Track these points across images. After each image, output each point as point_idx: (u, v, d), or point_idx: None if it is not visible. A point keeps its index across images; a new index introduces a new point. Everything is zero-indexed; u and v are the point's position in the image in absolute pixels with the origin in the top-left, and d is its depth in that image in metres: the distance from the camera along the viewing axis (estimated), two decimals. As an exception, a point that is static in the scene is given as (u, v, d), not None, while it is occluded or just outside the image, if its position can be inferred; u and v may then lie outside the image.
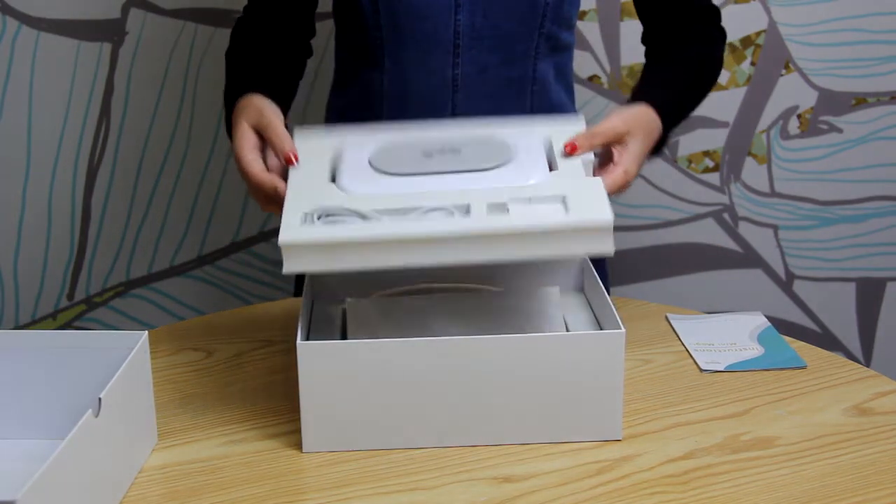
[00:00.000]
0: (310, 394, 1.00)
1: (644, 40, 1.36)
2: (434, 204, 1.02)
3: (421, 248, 0.97)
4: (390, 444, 1.02)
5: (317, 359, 0.99)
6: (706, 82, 1.32)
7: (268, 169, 1.12)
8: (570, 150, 1.09)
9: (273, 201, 1.09)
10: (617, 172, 1.11)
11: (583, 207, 1.00)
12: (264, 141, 1.14)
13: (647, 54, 1.36)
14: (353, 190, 1.06)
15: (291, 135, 1.13)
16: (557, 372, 1.00)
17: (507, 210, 1.01)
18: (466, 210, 1.01)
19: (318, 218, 1.01)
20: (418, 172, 1.07)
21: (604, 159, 1.14)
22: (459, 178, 1.06)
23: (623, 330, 1.01)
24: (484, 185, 1.04)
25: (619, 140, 1.13)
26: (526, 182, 1.05)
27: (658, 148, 1.23)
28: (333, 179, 1.09)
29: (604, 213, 0.99)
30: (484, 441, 1.02)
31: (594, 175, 1.09)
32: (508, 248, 0.98)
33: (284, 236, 0.98)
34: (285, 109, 1.22)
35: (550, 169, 1.09)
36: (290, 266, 0.98)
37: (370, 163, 1.10)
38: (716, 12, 1.33)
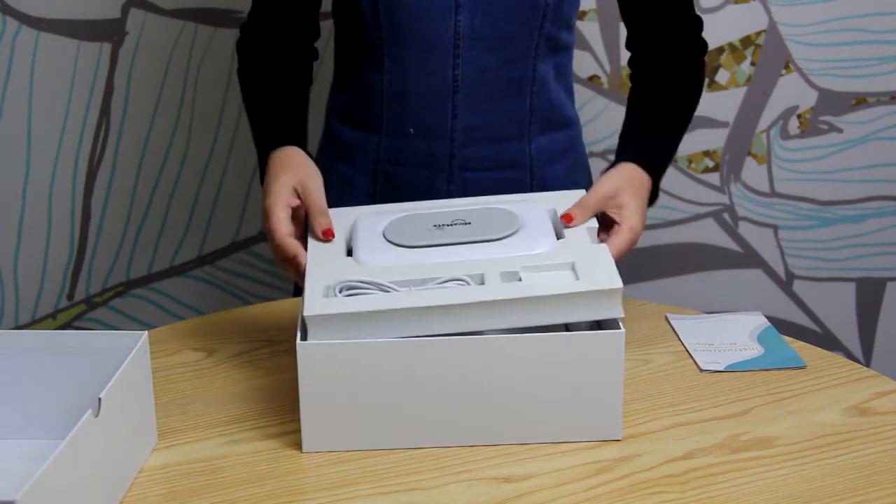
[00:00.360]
0: (310, 394, 1.00)
1: (629, 45, 1.37)
2: (449, 275, 1.05)
3: (439, 318, 1.00)
4: (390, 444, 1.02)
5: (317, 359, 0.99)
6: (687, 119, 1.34)
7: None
8: (567, 221, 1.14)
9: (289, 262, 1.12)
10: (623, 232, 1.15)
11: (592, 274, 1.04)
12: (298, 199, 1.15)
13: (631, 77, 1.37)
14: (369, 262, 1.09)
15: None
16: (557, 372, 1.01)
17: (520, 278, 1.05)
18: (481, 280, 1.05)
19: (340, 291, 1.04)
20: (432, 244, 1.10)
21: (607, 225, 1.18)
22: (471, 248, 1.09)
23: (623, 330, 1.01)
24: (495, 254, 1.08)
25: (611, 203, 1.17)
26: (535, 250, 1.09)
27: (653, 197, 1.27)
28: (349, 253, 1.12)
29: (612, 280, 1.03)
30: (484, 441, 1.02)
31: (600, 241, 1.14)
32: (523, 315, 1.01)
33: (309, 310, 1.00)
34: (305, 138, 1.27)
35: (557, 237, 1.12)
36: (315, 336, 1.00)
37: (384, 235, 1.13)
38: (698, 22, 1.34)
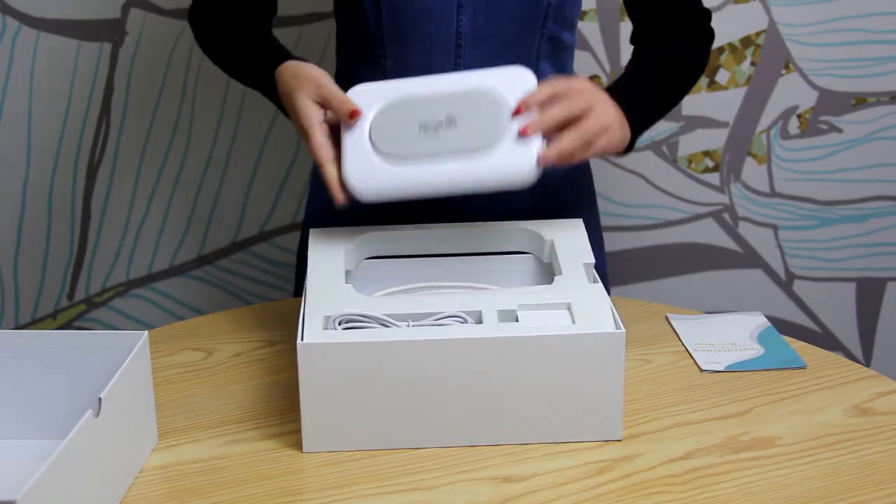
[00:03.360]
0: (310, 394, 1.00)
1: (633, 40, 1.36)
2: (449, 311, 1.05)
3: (436, 354, 1.00)
4: (390, 444, 1.02)
5: (317, 359, 0.99)
6: (683, 84, 1.32)
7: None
8: (524, 132, 1.09)
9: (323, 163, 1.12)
10: (564, 142, 1.09)
11: (588, 315, 1.03)
12: (322, 108, 1.16)
13: (633, 53, 1.36)
14: (359, 188, 1.10)
15: None
16: (558, 372, 1.01)
17: (516, 318, 1.04)
18: (479, 318, 1.04)
19: (340, 324, 1.04)
20: (418, 156, 1.10)
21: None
22: (456, 163, 1.09)
23: (623, 330, 1.01)
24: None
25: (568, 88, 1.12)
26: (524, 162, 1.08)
27: (628, 147, 1.22)
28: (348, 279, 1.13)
29: (606, 324, 1.02)
30: (484, 441, 1.02)
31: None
32: (518, 353, 1.00)
33: (308, 340, 1.00)
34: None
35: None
36: (309, 365, 1.00)
37: (370, 138, 1.12)
38: (706, 14, 1.34)
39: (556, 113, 1.10)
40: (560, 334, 1.01)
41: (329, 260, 1.14)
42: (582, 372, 1.01)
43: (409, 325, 1.04)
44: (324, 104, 1.15)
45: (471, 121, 1.11)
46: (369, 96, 1.15)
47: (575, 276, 1.10)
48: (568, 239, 1.16)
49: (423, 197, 1.12)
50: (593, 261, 1.13)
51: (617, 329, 1.01)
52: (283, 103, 1.23)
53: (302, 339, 1.00)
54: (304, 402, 1.00)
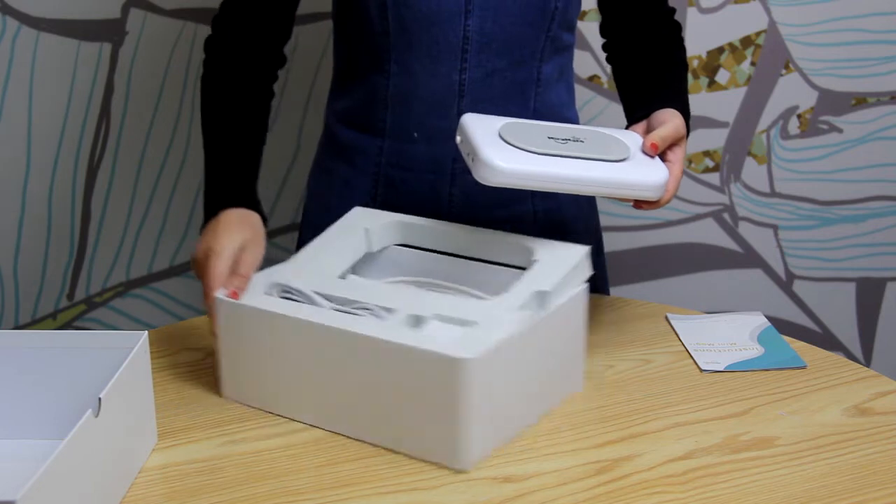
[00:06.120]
0: (225, 345, 1.10)
1: (603, 32, 1.39)
2: (369, 303, 1.06)
3: (312, 336, 1.03)
4: (281, 411, 1.08)
5: (225, 314, 1.09)
6: (686, 70, 1.38)
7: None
8: (654, 150, 1.16)
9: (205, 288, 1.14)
10: (675, 172, 1.17)
11: (466, 336, 1.00)
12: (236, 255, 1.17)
13: (610, 59, 1.40)
14: (500, 167, 1.09)
15: None
16: (398, 381, 0.99)
17: (423, 325, 1.03)
18: (416, 322, 1.04)
19: (277, 292, 1.10)
20: (556, 154, 1.12)
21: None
22: (594, 165, 1.12)
23: (467, 357, 0.95)
24: (615, 177, 1.11)
25: (674, 142, 1.20)
26: (653, 178, 1.12)
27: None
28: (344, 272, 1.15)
29: (462, 349, 0.96)
30: (349, 433, 1.04)
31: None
32: (366, 353, 1.00)
33: (219, 295, 1.09)
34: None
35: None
36: (222, 319, 1.10)
37: (500, 136, 1.14)
38: (673, 12, 1.38)
39: (669, 138, 1.19)
40: (394, 342, 0.98)
41: (340, 237, 1.19)
42: (420, 389, 0.98)
43: (328, 308, 1.07)
44: (235, 264, 1.14)
45: (596, 141, 1.15)
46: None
47: (517, 298, 1.06)
48: (550, 263, 1.11)
49: (554, 188, 1.11)
50: (548, 290, 1.06)
51: (467, 356, 0.94)
52: (211, 217, 1.23)
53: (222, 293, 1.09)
54: (222, 351, 1.10)
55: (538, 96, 1.32)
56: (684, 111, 1.25)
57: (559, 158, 1.11)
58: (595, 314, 1.30)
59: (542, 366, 1.06)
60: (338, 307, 1.07)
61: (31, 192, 1.85)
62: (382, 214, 1.23)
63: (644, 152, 1.16)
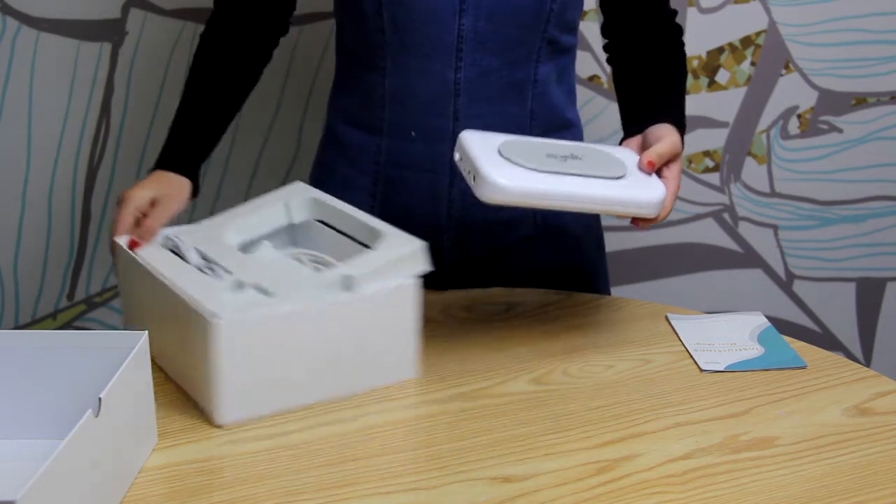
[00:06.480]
0: (124, 291, 1.20)
1: (604, 33, 1.39)
2: (228, 267, 1.13)
3: (157, 287, 1.11)
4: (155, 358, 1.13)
5: (120, 256, 1.15)
6: (685, 78, 1.39)
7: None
8: (651, 168, 1.16)
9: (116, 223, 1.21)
10: (671, 189, 1.17)
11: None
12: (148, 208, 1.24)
13: (610, 60, 1.39)
14: (502, 184, 1.09)
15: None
16: (184, 332, 1.07)
17: (241, 290, 1.09)
18: (229, 275, 1.11)
19: (170, 246, 1.18)
20: (555, 171, 1.12)
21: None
22: (592, 182, 1.12)
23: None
24: (613, 194, 1.12)
25: (671, 159, 1.20)
26: (650, 195, 1.12)
27: None
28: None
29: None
30: (170, 374, 1.13)
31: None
32: (178, 312, 1.08)
33: (118, 239, 1.18)
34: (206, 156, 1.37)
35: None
36: (119, 259, 1.20)
37: (500, 153, 1.15)
38: (675, 14, 1.37)
39: (665, 155, 1.19)
40: (182, 296, 1.06)
41: (265, 206, 1.25)
42: (192, 343, 1.06)
43: (192, 265, 1.13)
44: (144, 213, 1.22)
45: (593, 158, 1.15)
46: None
47: (328, 278, 1.11)
48: (382, 252, 1.15)
49: (554, 206, 1.11)
50: (353, 275, 1.11)
51: (217, 318, 1.02)
52: (158, 164, 1.33)
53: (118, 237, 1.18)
54: (120, 286, 1.21)
55: (536, 97, 1.32)
56: (680, 125, 1.25)
57: (560, 176, 1.11)
58: (595, 314, 1.30)
59: (341, 347, 1.10)
60: (201, 266, 1.13)
61: (31, 192, 1.85)
62: (312, 191, 1.27)
63: (641, 169, 1.16)
